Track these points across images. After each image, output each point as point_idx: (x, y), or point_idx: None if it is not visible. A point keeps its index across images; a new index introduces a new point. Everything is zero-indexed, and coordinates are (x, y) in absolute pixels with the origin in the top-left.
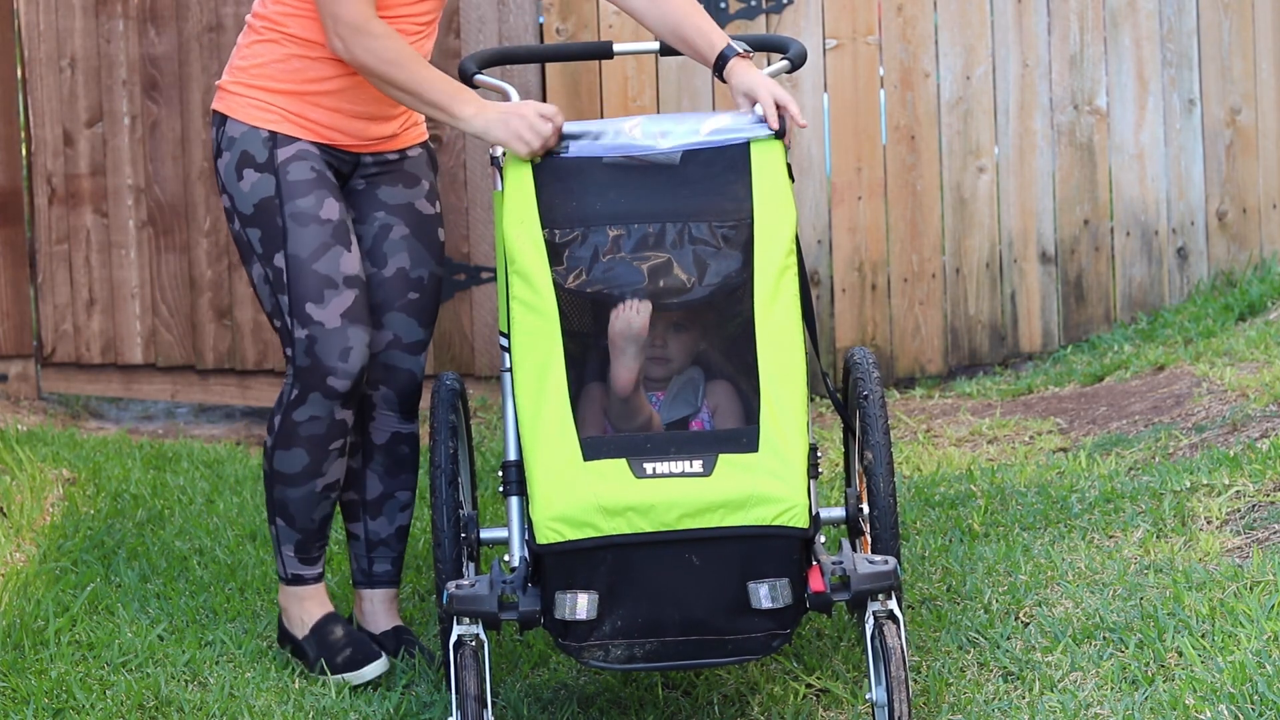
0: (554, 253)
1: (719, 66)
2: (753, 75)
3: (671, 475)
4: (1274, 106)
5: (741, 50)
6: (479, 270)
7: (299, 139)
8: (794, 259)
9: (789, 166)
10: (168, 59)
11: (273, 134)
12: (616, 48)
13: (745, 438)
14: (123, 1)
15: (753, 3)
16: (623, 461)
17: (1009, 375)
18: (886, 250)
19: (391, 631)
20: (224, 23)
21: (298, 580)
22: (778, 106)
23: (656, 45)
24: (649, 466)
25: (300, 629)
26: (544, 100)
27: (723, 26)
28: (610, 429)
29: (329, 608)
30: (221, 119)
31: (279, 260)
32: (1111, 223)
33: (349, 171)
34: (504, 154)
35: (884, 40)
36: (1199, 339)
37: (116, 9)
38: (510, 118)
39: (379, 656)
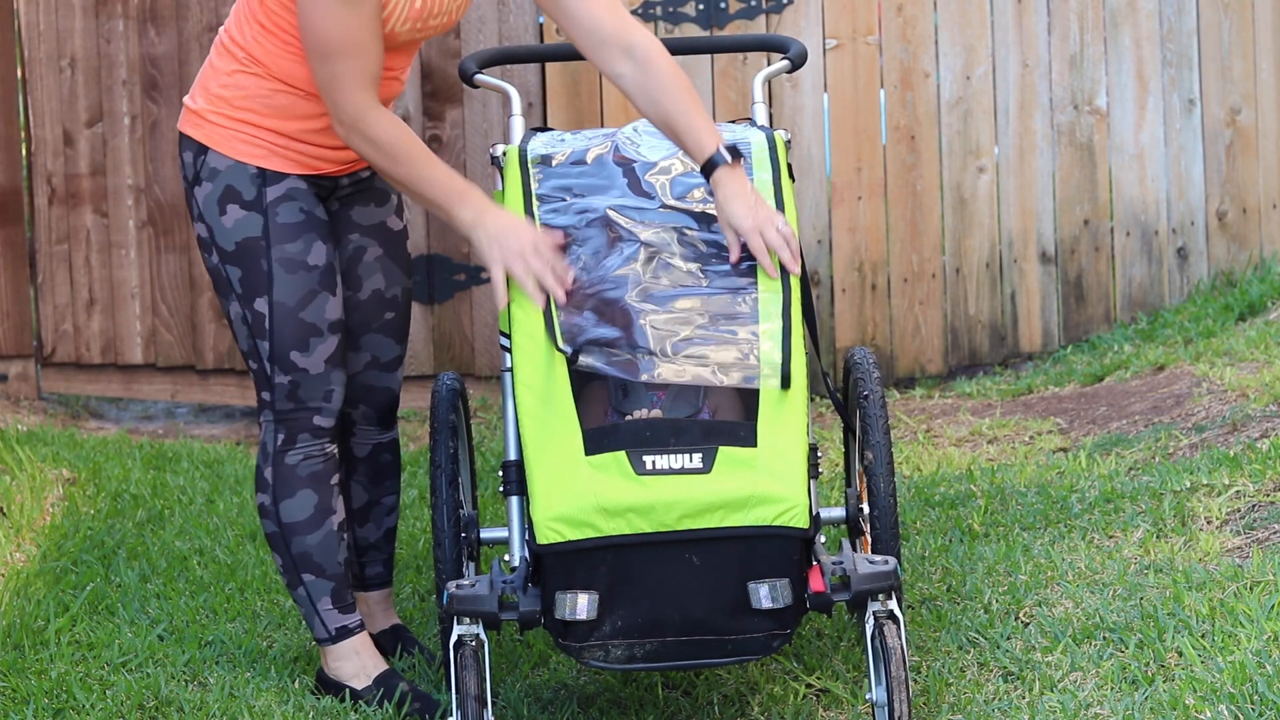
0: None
1: (706, 171)
2: (738, 205)
3: (671, 471)
4: (1274, 106)
5: (730, 160)
6: (479, 270)
7: (288, 174)
8: None
9: (789, 166)
10: (168, 59)
11: (261, 170)
12: None
13: (744, 431)
14: (123, 1)
15: (753, 3)
16: (622, 454)
17: (1009, 375)
18: (886, 250)
19: (389, 630)
20: (224, 23)
21: (344, 633)
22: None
23: None
24: (649, 460)
25: (360, 680)
26: (544, 100)
27: (722, 27)
28: (613, 415)
29: (384, 663)
30: (201, 148)
31: (261, 305)
32: (1111, 223)
33: (327, 196)
34: (504, 153)
35: (884, 40)
36: (1199, 339)
37: (116, 9)
38: (506, 241)
39: (439, 705)
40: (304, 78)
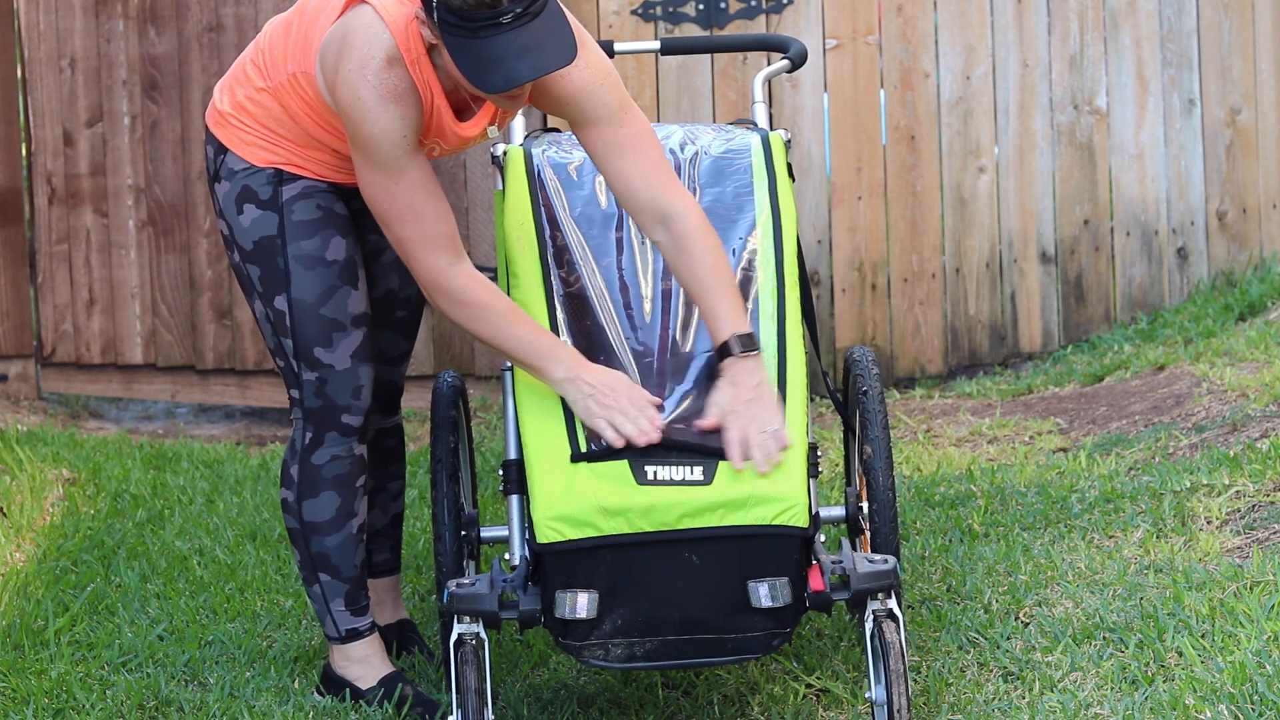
0: (556, 254)
1: (720, 354)
2: (727, 390)
3: (672, 483)
4: (1274, 106)
5: (740, 351)
6: (479, 270)
7: (304, 175)
8: (794, 259)
9: (789, 166)
10: (168, 59)
11: (278, 170)
12: (617, 46)
13: None
14: (123, 1)
15: (753, 3)
16: (624, 464)
17: (1009, 375)
18: (886, 250)
19: (395, 625)
20: (224, 23)
21: (353, 635)
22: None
23: (658, 45)
24: (650, 470)
25: (365, 680)
26: None
27: (722, 27)
28: None
29: (390, 665)
30: (221, 147)
31: (281, 303)
32: (1111, 223)
33: (349, 198)
34: (504, 153)
35: (884, 40)
36: (1199, 339)
37: (116, 9)
38: (605, 397)
39: (439, 707)
40: (328, 141)
